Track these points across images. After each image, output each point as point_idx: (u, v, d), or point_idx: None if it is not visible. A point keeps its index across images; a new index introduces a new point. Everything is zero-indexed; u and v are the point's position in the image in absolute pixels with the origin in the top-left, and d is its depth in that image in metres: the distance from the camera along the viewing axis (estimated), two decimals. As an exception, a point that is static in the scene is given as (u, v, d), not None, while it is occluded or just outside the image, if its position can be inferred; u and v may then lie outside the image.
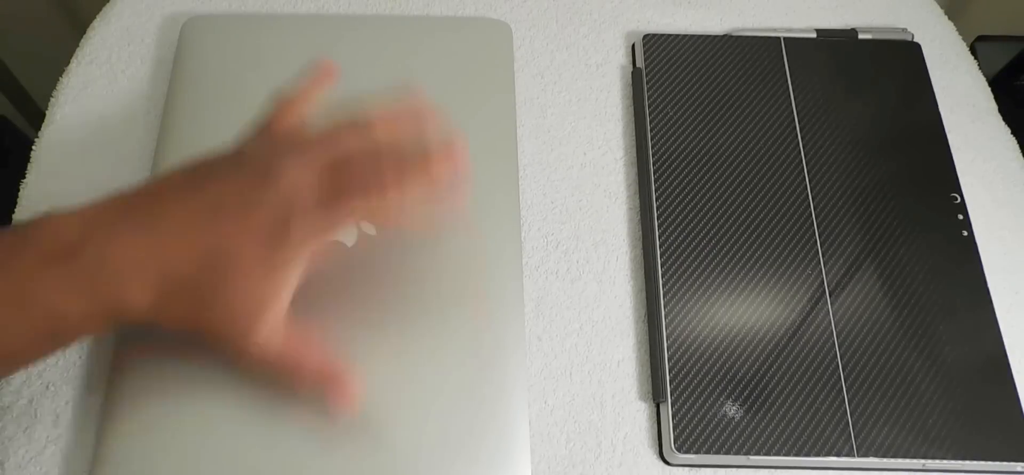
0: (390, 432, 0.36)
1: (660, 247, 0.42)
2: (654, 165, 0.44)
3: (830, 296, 0.41)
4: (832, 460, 0.37)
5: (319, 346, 0.34)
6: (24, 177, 0.44)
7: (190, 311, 0.31)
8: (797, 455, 0.37)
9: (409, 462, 0.35)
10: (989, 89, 0.50)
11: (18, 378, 0.39)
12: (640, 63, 0.48)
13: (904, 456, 0.37)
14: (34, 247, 0.29)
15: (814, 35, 0.50)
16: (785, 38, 0.49)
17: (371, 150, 0.33)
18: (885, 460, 0.37)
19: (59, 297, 0.29)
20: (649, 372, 0.40)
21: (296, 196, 0.31)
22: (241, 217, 0.31)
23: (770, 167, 0.45)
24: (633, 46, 0.50)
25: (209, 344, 0.32)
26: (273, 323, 0.32)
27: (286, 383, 0.34)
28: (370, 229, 0.40)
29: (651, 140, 0.45)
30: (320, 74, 0.37)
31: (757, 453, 0.37)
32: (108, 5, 0.50)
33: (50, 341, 0.31)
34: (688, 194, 0.44)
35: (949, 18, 0.53)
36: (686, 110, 0.46)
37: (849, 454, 0.37)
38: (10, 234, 0.30)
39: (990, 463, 0.37)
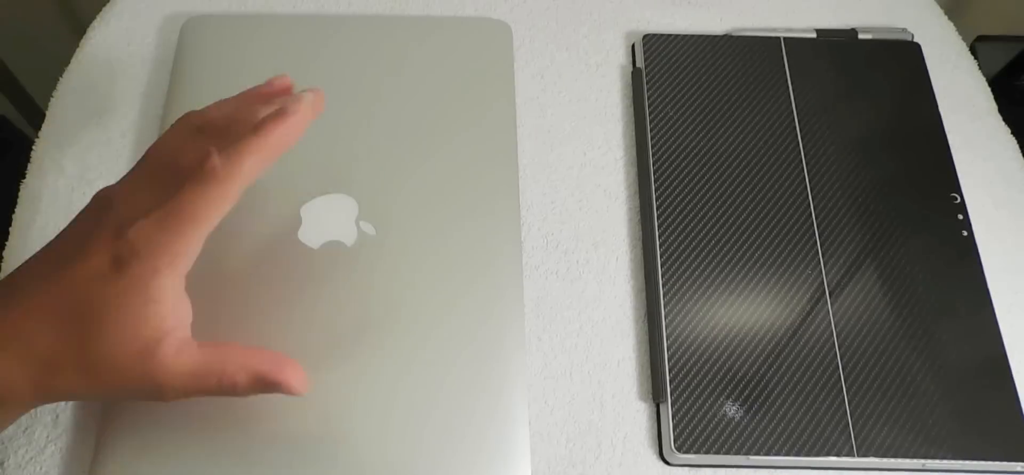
0: (390, 432, 0.36)
1: (660, 247, 0.42)
2: (654, 165, 0.44)
3: (830, 296, 0.41)
4: (832, 460, 0.37)
5: (238, 349, 0.30)
6: (24, 177, 0.44)
7: (79, 381, 0.29)
8: (797, 455, 0.37)
9: (409, 462, 0.35)
10: (989, 89, 0.50)
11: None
12: (640, 63, 0.48)
13: (904, 456, 0.37)
14: None
15: (814, 35, 0.49)
16: (785, 38, 0.49)
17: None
18: (885, 460, 0.37)
19: None
20: (649, 372, 0.40)
21: (120, 203, 0.29)
22: (80, 259, 0.29)
23: (770, 167, 0.45)
24: (633, 46, 0.50)
25: (121, 396, 0.30)
26: (168, 344, 0.29)
27: (224, 393, 0.30)
28: (369, 229, 0.40)
29: (651, 140, 0.45)
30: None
31: (757, 453, 0.37)
32: (108, 5, 0.50)
33: None
34: (688, 194, 0.44)
35: (949, 18, 0.53)
36: (686, 110, 0.46)
37: (849, 454, 0.37)
38: None
39: (990, 463, 0.37)
